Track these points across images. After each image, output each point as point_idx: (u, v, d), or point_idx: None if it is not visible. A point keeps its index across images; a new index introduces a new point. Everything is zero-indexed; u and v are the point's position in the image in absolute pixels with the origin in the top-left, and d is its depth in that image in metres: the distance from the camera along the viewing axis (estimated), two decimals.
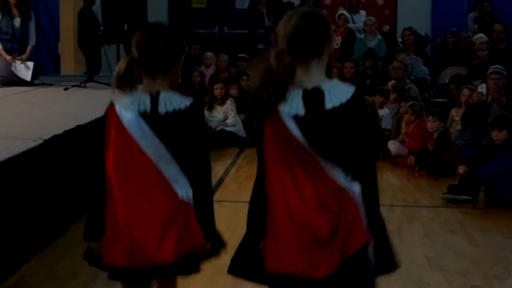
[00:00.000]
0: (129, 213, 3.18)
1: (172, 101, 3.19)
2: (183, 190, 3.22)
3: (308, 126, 2.88)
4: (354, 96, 2.92)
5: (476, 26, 13.51)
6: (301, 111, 2.88)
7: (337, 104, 2.89)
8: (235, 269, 3.20)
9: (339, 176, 2.94)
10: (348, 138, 2.91)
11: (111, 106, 3.22)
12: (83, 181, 6.52)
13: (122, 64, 3.22)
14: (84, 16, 12.13)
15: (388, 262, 3.22)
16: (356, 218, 2.96)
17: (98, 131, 3.30)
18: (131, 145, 3.17)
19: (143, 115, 3.16)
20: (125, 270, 3.22)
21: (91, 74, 10.30)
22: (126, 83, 3.19)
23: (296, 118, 2.88)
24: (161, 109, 3.17)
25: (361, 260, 2.96)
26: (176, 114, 3.17)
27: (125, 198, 3.19)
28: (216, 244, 3.46)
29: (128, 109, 3.17)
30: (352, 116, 2.91)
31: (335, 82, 3.00)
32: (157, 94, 3.19)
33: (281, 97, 2.86)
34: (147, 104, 3.17)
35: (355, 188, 2.97)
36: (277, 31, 2.99)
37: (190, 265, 3.29)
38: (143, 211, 3.17)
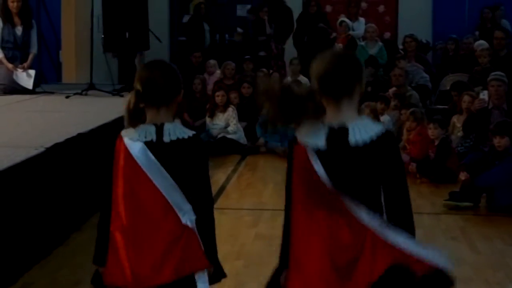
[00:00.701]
0: (132, 238, 3.34)
1: (176, 131, 3.38)
2: (187, 216, 3.36)
3: (331, 164, 2.95)
4: (382, 135, 2.97)
5: (477, 33, 13.53)
6: (323, 146, 2.96)
7: (361, 141, 2.95)
8: None
9: (361, 215, 2.95)
10: (373, 177, 2.97)
11: (120, 137, 3.48)
12: (83, 190, 6.55)
13: (131, 99, 3.42)
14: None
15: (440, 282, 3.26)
16: (379, 247, 2.95)
17: (106, 161, 3.54)
18: (138, 174, 3.34)
19: (149, 144, 3.36)
20: None
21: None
22: (136, 118, 3.42)
23: (319, 154, 2.96)
24: (166, 138, 3.37)
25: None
26: (179, 142, 3.36)
27: (131, 224, 3.35)
28: (217, 272, 3.56)
29: (135, 140, 3.39)
30: (378, 155, 2.95)
31: (365, 121, 3.05)
32: (162, 125, 3.38)
33: (306, 133, 2.98)
34: (152, 134, 3.38)
35: (376, 223, 2.95)
36: (310, 70, 3.07)
37: (189, 286, 3.36)
38: (146, 237, 3.32)
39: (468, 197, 7.25)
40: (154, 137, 3.37)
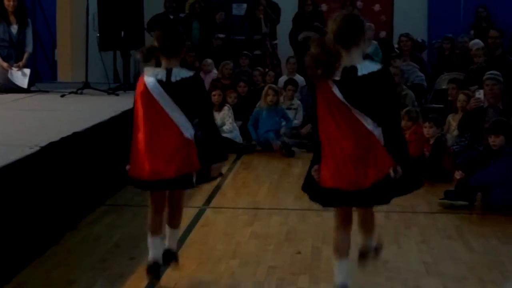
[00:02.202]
0: (148, 146, 4.77)
1: (180, 74, 4.80)
2: (188, 131, 4.79)
3: (345, 88, 4.28)
4: (380, 70, 4.33)
5: (472, 32, 13.53)
6: (339, 78, 4.28)
7: (366, 73, 4.27)
8: (304, 188, 4.66)
9: (369, 124, 4.30)
10: (375, 97, 4.25)
11: (142, 75, 4.85)
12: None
13: (144, 49, 4.84)
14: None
15: (412, 182, 4.58)
16: (382, 151, 4.32)
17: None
18: (152, 100, 4.77)
19: (160, 82, 4.77)
20: (145, 182, 4.85)
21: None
22: (147, 59, 4.81)
23: (336, 82, 4.29)
24: (173, 79, 4.78)
25: (387, 180, 4.35)
26: (183, 81, 4.77)
27: (148, 136, 4.78)
28: (223, 153, 4.98)
29: (150, 78, 4.79)
30: (378, 82, 4.26)
31: (368, 62, 4.40)
32: (171, 69, 4.80)
33: (332, 73, 4.29)
34: (164, 76, 4.78)
35: (378, 131, 4.31)
36: (327, 27, 4.38)
37: (186, 182, 4.85)
38: (157, 145, 4.75)
39: (463, 196, 7.26)
40: (164, 78, 4.77)
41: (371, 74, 4.27)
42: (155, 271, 5.04)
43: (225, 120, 10.25)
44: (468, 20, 14.35)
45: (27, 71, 9.89)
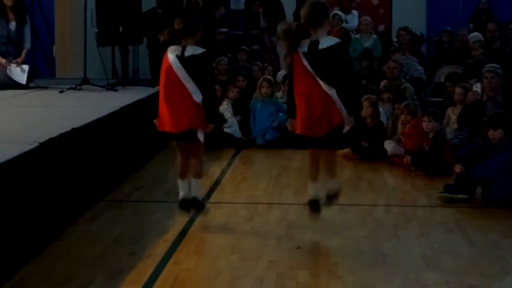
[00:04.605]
0: (168, 106, 6.15)
1: (193, 50, 6.11)
2: (197, 96, 6.08)
3: (309, 58, 5.75)
4: (337, 44, 5.80)
5: (471, 25, 13.52)
6: (306, 50, 5.76)
7: (324, 46, 5.74)
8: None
9: (325, 87, 5.74)
10: (331, 65, 5.69)
11: (166, 52, 6.15)
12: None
13: (166, 31, 6.17)
14: None
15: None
16: (335, 109, 5.78)
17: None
18: (171, 71, 6.11)
19: (178, 57, 6.10)
20: (169, 133, 6.23)
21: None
22: (171, 40, 6.15)
23: (304, 53, 5.76)
24: (186, 54, 6.10)
25: (338, 131, 5.85)
26: (194, 56, 6.09)
27: (167, 99, 6.16)
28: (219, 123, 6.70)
29: (171, 54, 6.13)
30: (334, 54, 5.73)
31: (329, 37, 5.92)
32: (185, 47, 6.13)
33: (297, 41, 5.79)
34: (179, 52, 6.12)
35: (333, 92, 5.74)
36: (300, 13, 5.86)
37: (193, 136, 6.14)
38: (175, 105, 6.11)
39: (463, 189, 7.25)
40: (180, 53, 6.10)
41: (329, 47, 5.72)
42: (184, 206, 6.37)
43: (224, 114, 10.21)
44: (467, 13, 14.35)
45: (26, 67, 9.89)
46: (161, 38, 6.18)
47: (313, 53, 5.71)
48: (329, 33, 6.07)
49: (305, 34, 5.78)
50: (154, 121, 6.31)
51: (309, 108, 5.79)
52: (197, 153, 6.37)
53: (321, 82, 5.72)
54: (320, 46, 5.72)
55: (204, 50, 6.13)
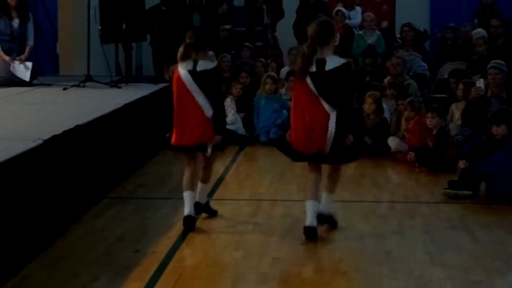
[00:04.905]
0: (180, 120, 6.25)
1: (204, 65, 6.20)
2: (208, 111, 6.20)
3: (315, 79, 5.82)
4: (342, 65, 5.85)
5: (476, 20, 13.48)
6: (314, 69, 5.83)
7: (331, 67, 5.81)
8: (277, 145, 6.38)
9: (327, 107, 5.83)
10: (335, 87, 5.78)
11: (177, 67, 6.25)
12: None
13: (181, 49, 6.22)
14: None
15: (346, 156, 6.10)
16: (324, 133, 5.85)
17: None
18: (183, 87, 6.20)
19: (189, 71, 6.18)
20: (178, 146, 6.32)
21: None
22: (185, 55, 6.20)
23: (310, 73, 5.83)
24: (198, 68, 6.18)
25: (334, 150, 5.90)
26: (206, 71, 6.18)
27: (179, 111, 6.25)
28: (226, 138, 6.45)
29: (182, 69, 6.20)
30: (339, 75, 5.81)
31: (335, 57, 5.96)
32: (197, 61, 6.20)
33: (310, 64, 5.84)
34: (191, 66, 6.19)
35: (333, 114, 5.82)
36: (308, 31, 5.95)
37: (203, 148, 6.25)
38: (186, 119, 6.22)
39: (467, 185, 7.25)
40: (191, 68, 6.18)
41: (335, 68, 5.79)
42: (189, 224, 6.23)
43: (228, 111, 10.19)
44: (470, 9, 14.29)
45: (29, 64, 9.89)
46: (178, 54, 6.22)
47: (320, 73, 5.80)
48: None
49: (314, 51, 5.87)
50: (167, 134, 6.38)
51: (307, 127, 5.88)
52: (208, 162, 6.49)
53: (324, 104, 5.83)
54: (327, 67, 5.79)
55: (215, 64, 6.38)
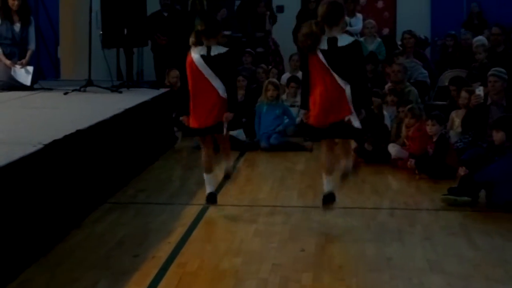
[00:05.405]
0: (196, 102, 6.63)
1: (217, 50, 6.61)
2: (222, 92, 6.61)
3: (328, 55, 6.05)
4: (353, 42, 6.19)
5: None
6: (325, 47, 6.07)
7: (343, 44, 6.06)
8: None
9: (341, 82, 6.08)
10: (348, 62, 6.03)
11: (189, 52, 6.64)
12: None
13: (192, 36, 6.61)
14: None
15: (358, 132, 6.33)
16: (345, 103, 6.12)
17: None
18: (197, 70, 6.58)
19: (202, 56, 6.58)
20: (196, 129, 6.74)
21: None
22: (197, 41, 6.58)
23: (323, 50, 6.07)
24: (212, 53, 6.58)
25: (347, 124, 6.18)
26: (219, 55, 6.60)
27: (195, 95, 6.63)
28: (237, 119, 7.08)
29: (195, 54, 6.59)
30: (351, 51, 6.06)
31: (346, 35, 6.26)
32: (210, 47, 6.60)
33: (318, 42, 6.07)
34: (205, 51, 6.59)
35: (348, 88, 6.09)
36: (317, 11, 6.15)
37: (220, 128, 6.68)
38: (202, 102, 6.62)
39: (466, 192, 7.24)
40: (205, 53, 6.58)
41: (348, 45, 6.06)
42: (212, 199, 6.86)
43: None
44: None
45: (30, 68, 9.90)
46: (190, 40, 6.61)
47: (332, 50, 6.04)
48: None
49: (322, 30, 6.10)
50: (181, 118, 6.84)
51: (324, 101, 6.14)
52: (224, 142, 7.10)
53: (337, 78, 6.07)
54: (339, 44, 6.05)
55: (228, 48, 6.73)
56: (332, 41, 6.05)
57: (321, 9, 6.12)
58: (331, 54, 6.03)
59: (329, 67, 6.05)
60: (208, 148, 6.91)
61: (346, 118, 6.13)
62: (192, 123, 6.72)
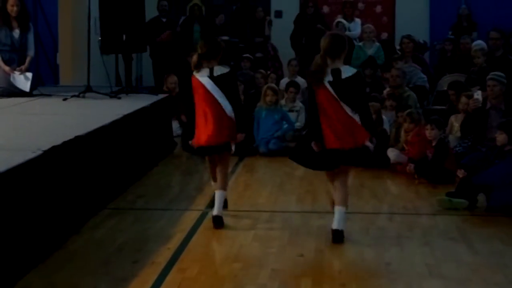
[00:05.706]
0: (204, 122, 6.64)
1: (220, 70, 6.68)
2: (229, 111, 6.65)
3: (334, 86, 6.14)
4: (355, 73, 6.25)
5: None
6: (331, 79, 6.14)
7: (346, 76, 6.16)
8: (294, 157, 6.59)
9: (349, 111, 6.15)
10: (353, 93, 6.15)
11: (193, 75, 6.72)
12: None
13: (194, 58, 6.70)
14: None
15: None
16: (360, 129, 6.17)
17: (188, 89, 6.91)
18: (205, 91, 6.65)
19: (209, 77, 6.62)
20: (202, 148, 6.75)
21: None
22: (198, 65, 6.67)
23: (329, 82, 6.15)
24: (215, 74, 6.64)
25: (364, 149, 6.21)
26: (223, 75, 6.66)
27: (201, 116, 6.67)
28: (248, 137, 7.67)
29: (202, 76, 6.67)
30: (354, 83, 6.17)
31: (347, 66, 6.31)
32: (213, 68, 6.67)
33: (323, 74, 6.15)
34: (208, 73, 6.64)
35: (357, 116, 6.16)
36: (320, 44, 6.25)
37: (228, 147, 6.71)
38: (210, 122, 6.62)
39: (464, 195, 7.24)
40: (208, 74, 6.64)
41: (351, 76, 6.17)
42: (219, 222, 6.62)
43: None
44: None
45: (29, 75, 9.90)
46: (191, 62, 6.71)
47: (337, 81, 6.12)
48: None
49: (325, 63, 6.19)
50: (190, 142, 6.85)
51: (335, 130, 6.15)
52: (225, 165, 6.86)
53: (346, 108, 6.13)
54: (343, 76, 6.14)
55: (229, 68, 6.80)
56: (336, 73, 6.14)
57: (323, 42, 6.22)
58: (337, 85, 6.12)
59: (338, 99, 6.11)
60: (215, 166, 6.89)
61: (367, 143, 6.16)
62: (203, 141, 6.68)
